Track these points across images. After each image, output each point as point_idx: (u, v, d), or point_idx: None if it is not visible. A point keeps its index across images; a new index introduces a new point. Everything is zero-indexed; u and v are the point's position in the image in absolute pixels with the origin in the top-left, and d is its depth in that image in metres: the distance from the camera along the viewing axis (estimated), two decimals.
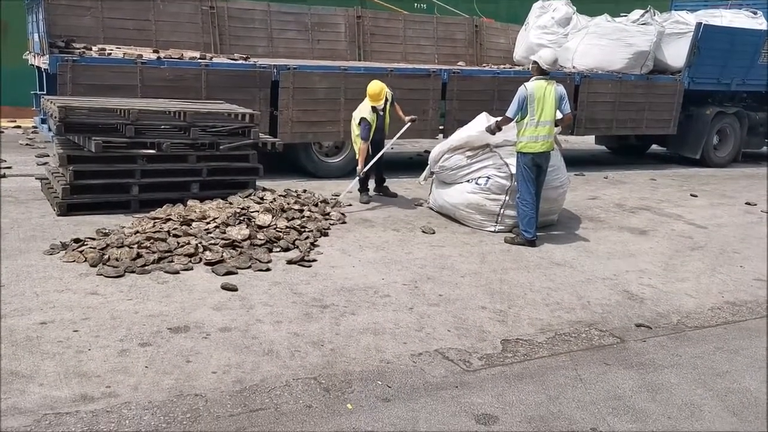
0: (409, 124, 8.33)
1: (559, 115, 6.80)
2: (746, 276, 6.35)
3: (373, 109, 7.96)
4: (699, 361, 4.48)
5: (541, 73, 6.75)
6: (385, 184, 8.76)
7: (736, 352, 4.65)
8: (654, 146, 14.27)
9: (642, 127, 12.49)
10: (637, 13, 13.19)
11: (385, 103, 8.08)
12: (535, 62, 6.84)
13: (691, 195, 10.11)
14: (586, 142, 14.74)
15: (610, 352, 4.52)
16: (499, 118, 7.01)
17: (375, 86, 7.98)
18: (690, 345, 4.73)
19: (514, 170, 7.01)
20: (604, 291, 5.69)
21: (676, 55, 12.31)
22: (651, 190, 10.45)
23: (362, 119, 7.93)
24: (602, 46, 12.00)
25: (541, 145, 6.67)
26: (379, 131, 8.12)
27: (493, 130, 6.99)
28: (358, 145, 8.10)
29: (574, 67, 12.01)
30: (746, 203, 9.63)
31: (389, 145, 8.40)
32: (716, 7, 13.62)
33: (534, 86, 6.65)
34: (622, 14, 13.49)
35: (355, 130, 8.12)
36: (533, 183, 6.76)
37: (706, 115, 12.85)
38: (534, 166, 6.71)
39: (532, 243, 6.79)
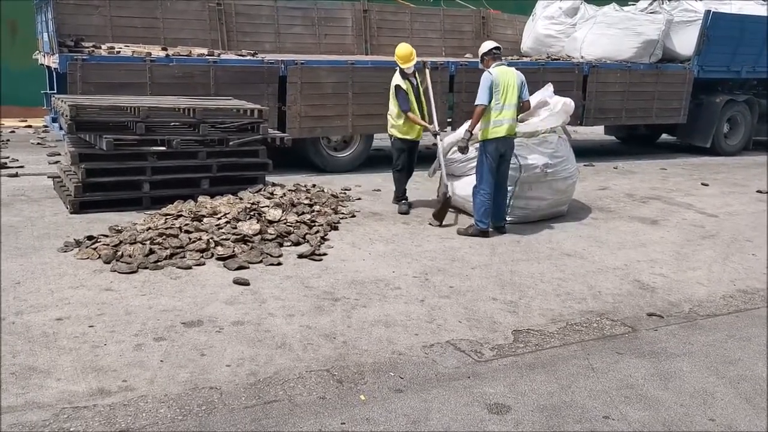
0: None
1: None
2: (758, 264, 6.31)
3: (403, 74, 7.43)
4: (711, 349, 4.48)
5: (496, 59, 6.76)
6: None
7: (749, 340, 4.64)
8: (664, 135, 14.20)
9: (651, 116, 12.44)
10: (645, 2, 13.13)
11: (415, 72, 7.51)
12: (485, 54, 6.79)
13: (702, 184, 10.06)
14: (595, 132, 14.69)
15: (621, 342, 4.53)
16: (466, 125, 6.88)
17: (404, 47, 7.48)
18: (702, 333, 4.73)
19: (522, 161, 7.02)
20: (615, 281, 5.68)
21: (685, 43, 12.23)
22: (661, 179, 10.41)
23: (396, 88, 7.39)
24: (610, 35, 11.94)
25: (506, 129, 6.58)
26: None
27: (466, 142, 6.72)
28: (400, 122, 7.47)
29: (582, 57, 11.95)
30: (758, 191, 9.57)
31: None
32: None
33: (498, 72, 6.64)
34: (630, 3, 13.43)
35: (393, 106, 7.51)
36: (494, 174, 6.70)
37: (716, 104, 12.76)
38: (498, 156, 6.67)
39: (485, 233, 6.73)
